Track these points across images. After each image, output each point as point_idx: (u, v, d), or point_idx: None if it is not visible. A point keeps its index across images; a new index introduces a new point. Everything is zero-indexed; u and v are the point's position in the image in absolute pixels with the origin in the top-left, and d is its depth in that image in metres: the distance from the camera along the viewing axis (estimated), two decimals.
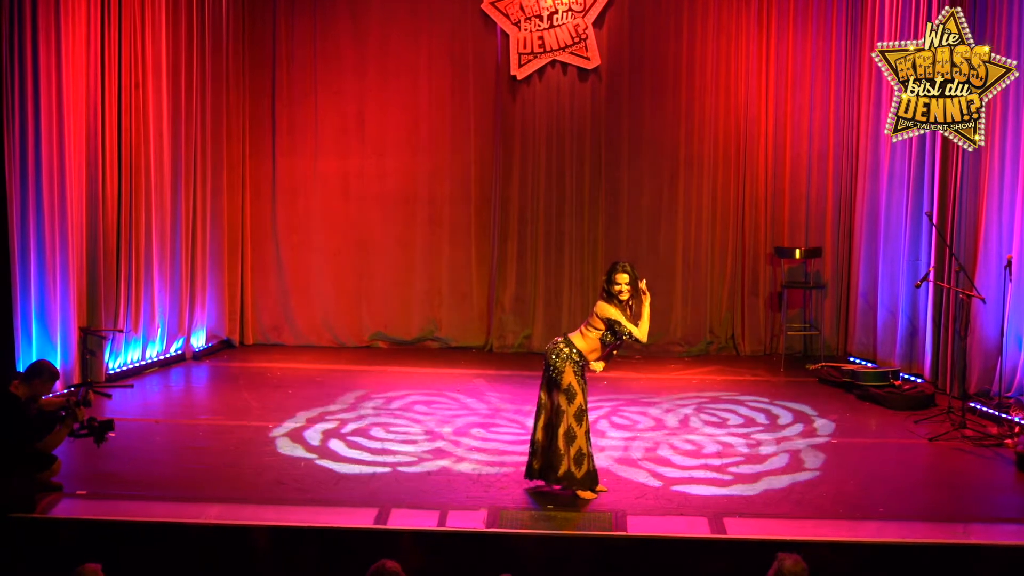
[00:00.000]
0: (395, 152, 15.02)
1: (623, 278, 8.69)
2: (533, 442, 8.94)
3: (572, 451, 8.69)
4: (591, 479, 8.84)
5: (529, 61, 14.68)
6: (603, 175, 14.88)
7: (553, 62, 14.74)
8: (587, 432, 8.82)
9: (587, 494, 8.81)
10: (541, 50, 14.64)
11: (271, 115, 14.97)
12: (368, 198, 15.08)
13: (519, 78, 14.74)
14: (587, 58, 14.63)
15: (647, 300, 8.82)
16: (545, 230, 14.93)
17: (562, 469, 8.70)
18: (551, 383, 8.75)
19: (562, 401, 8.68)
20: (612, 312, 8.68)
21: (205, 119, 14.03)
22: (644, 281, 8.85)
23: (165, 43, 13.17)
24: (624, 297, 8.70)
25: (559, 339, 8.85)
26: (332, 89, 14.98)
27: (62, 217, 11.61)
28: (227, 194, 14.59)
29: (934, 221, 12.21)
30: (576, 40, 14.61)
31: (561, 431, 8.67)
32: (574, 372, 8.71)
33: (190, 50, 13.64)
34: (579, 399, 8.72)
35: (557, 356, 8.72)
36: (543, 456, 8.84)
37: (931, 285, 12.39)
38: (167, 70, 13.23)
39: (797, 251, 14.41)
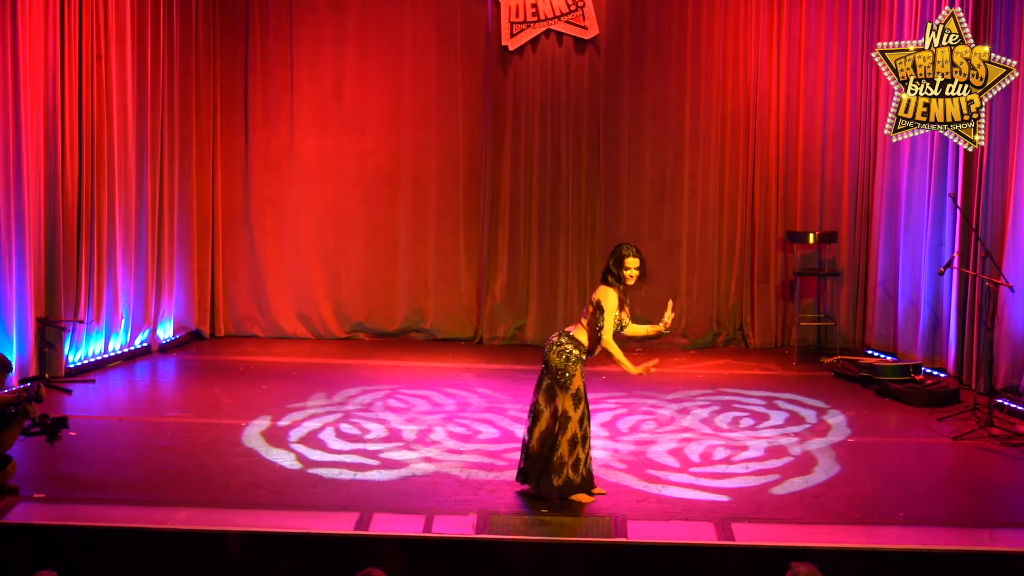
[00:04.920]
0: (377, 129, 15.00)
1: (634, 262, 8.64)
2: (525, 447, 8.87)
3: (572, 459, 8.65)
4: (588, 482, 8.81)
5: (522, 31, 14.64)
6: (602, 154, 14.87)
7: (548, 31, 14.71)
8: (587, 436, 8.77)
9: (582, 497, 8.77)
10: (535, 19, 14.61)
11: (244, 89, 14.94)
12: (348, 178, 15.06)
13: (511, 49, 14.71)
14: (584, 27, 14.60)
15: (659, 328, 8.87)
16: (539, 213, 14.92)
17: (563, 477, 8.65)
18: (557, 386, 8.65)
19: (568, 407, 8.61)
20: (611, 301, 8.61)
21: (172, 93, 13.98)
22: (671, 312, 8.85)
23: (130, 10, 13.11)
24: (631, 283, 8.66)
25: (561, 337, 8.68)
26: (309, 61, 14.95)
27: (18, 198, 11.55)
28: (196, 174, 14.57)
29: (958, 203, 12.18)
30: (573, 8, 14.57)
31: (566, 437, 8.59)
32: (581, 374, 8.66)
33: (156, 18, 13.58)
34: (584, 403, 8.68)
35: (567, 359, 8.61)
36: (536, 462, 8.76)
37: (955, 272, 12.38)
38: (132, 39, 13.16)
39: (811, 236, 14.40)
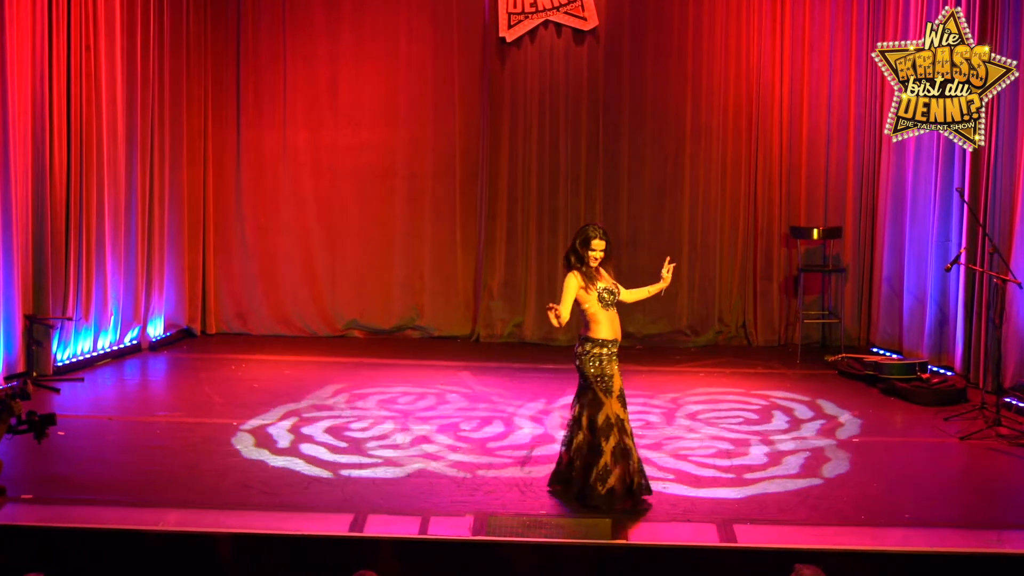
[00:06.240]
0: (372, 123, 14.98)
1: (600, 244, 8.60)
2: (568, 463, 8.81)
3: (636, 463, 8.62)
4: (644, 487, 8.77)
5: (519, 22, 14.62)
6: (601, 148, 14.86)
7: (546, 22, 14.69)
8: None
9: (629, 504, 8.70)
10: (533, 9, 14.59)
11: (235, 81, 14.93)
12: (342, 173, 15.04)
13: (508, 40, 14.69)
14: (584, 18, 14.58)
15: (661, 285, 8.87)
16: (537, 208, 14.91)
17: (633, 482, 8.62)
18: (602, 393, 8.56)
19: (618, 409, 8.55)
20: (569, 285, 8.58)
21: (163, 85, 13.96)
22: (669, 266, 8.85)
23: (119, 0, 13.08)
24: (594, 264, 8.63)
25: (584, 344, 8.59)
26: (302, 53, 14.93)
27: (5, 193, 11.54)
28: (187, 168, 14.55)
29: (965, 198, 12.18)
30: None
31: (618, 443, 8.55)
32: (619, 373, 8.62)
33: (146, 9, 13.57)
34: (626, 404, 8.66)
35: (600, 361, 8.54)
36: (585, 473, 8.69)
37: (962, 268, 12.37)
38: (121, 31, 13.14)
39: (815, 231, 14.40)
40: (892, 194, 14.09)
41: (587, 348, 8.59)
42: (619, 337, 8.67)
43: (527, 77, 14.82)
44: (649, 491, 8.71)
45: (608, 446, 8.53)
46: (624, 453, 8.58)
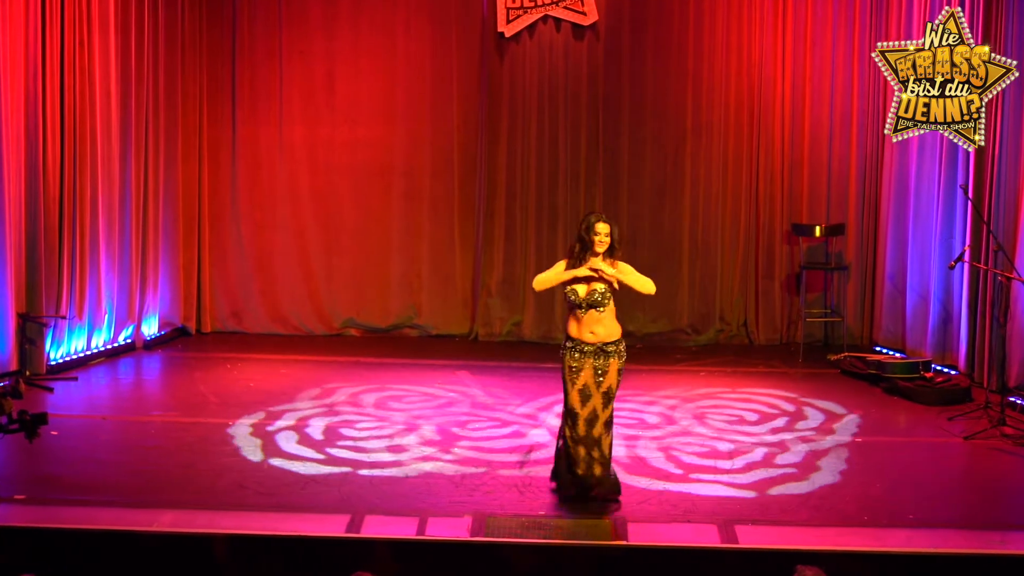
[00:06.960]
0: (369, 119, 14.97)
1: (604, 228, 8.52)
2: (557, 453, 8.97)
3: (582, 456, 8.61)
4: (595, 485, 8.75)
5: (518, 16, 14.62)
6: (601, 144, 14.85)
7: (545, 17, 14.69)
8: (588, 436, 8.70)
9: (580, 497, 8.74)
10: (532, 4, 14.59)
11: (231, 78, 14.92)
12: (339, 170, 15.04)
13: (507, 35, 14.69)
14: (583, 13, 14.58)
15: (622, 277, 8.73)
16: (536, 205, 14.91)
17: (578, 474, 8.65)
18: (567, 384, 8.70)
19: (575, 403, 8.58)
20: (559, 263, 8.66)
21: (158, 82, 13.95)
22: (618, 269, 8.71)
23: None
24: (600, 249, 8.56)
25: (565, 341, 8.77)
26: (299, 49, 14.93)
27: None
28: (182, 166, 14.54)
29: (969, 195, 12.18)
30: None
31: (571, 436, 8.61)
32: (584, 368, 8.61)
33: (141, 4, 13.55)
34: (592, 400, 8.60)
35: (563, 354, 8.61)
36: (560, 460, 8.81)
37: (966, 266, 12.37)
38: (115, 26, 13.13)
39: (817, 228, 14.39)
40: (895, 191, 14.09)
41: (562, 341, 8.76)
42: (587, 340, 8.59)
43: (526, 73, 14.82)
44: (617, 490, 8.74)
45: (569, 436, 8.65)
46: (585, 444, 8.59)
